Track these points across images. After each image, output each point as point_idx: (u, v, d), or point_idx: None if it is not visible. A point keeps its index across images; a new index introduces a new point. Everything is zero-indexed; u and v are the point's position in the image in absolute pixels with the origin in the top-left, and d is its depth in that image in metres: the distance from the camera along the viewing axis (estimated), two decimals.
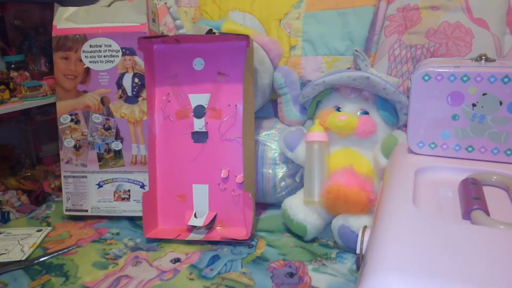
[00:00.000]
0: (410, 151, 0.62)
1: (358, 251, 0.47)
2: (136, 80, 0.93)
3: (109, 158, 0.95)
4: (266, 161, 0.91)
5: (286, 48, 1.00)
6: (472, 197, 0.45)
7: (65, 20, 0.95)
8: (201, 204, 0.87)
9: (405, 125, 0.86)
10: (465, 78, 0.56)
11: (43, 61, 1.65)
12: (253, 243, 0.80)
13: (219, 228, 0.86)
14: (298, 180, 0.90)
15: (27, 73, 1.43)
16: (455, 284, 0.32)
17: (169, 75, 0.90)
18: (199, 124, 0.88)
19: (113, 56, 0.92)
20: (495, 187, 0.51)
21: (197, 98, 0.88)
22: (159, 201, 0.90)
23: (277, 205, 0.93)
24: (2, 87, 1.31)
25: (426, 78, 0.57)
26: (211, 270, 0.71)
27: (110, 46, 0.92)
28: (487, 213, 0.42)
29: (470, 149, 0.58)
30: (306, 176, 0.82)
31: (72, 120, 0.95)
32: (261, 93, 0.93)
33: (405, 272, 0.34)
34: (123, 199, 0.94)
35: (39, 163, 1.67)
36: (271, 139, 0.93)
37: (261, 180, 0.91)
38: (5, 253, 0.80)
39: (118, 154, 0.94)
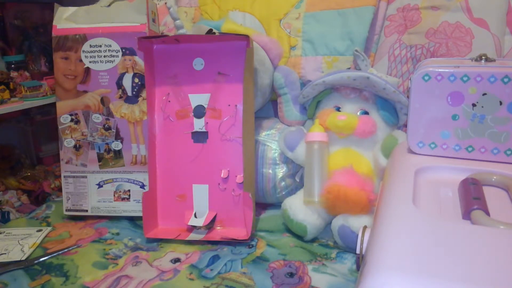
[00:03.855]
0: (410, 151, 0.62)
1: (358, 251, 0.47)
2: (136, 80, 0.93)
3: (109, 158, 0.95)
4: (266, 161, 0.91)
5: (286, 48, 1.00)
6: (472, 197, 0.45)
7: (65, 20, 0.95)
8: (201, 204, 0.87)
9: (405, 125, 0.86)
10: (465, 78, 0.56)
11: (43, 61, 1.65)
12: (253, 243, 0.80)
13: (219, 228, 0.86)
14: (298, 180, 0.90)
15: (27, 73, 1.43)
16: (455, 284, 0.32)
17: (169, 75, 0.90)
18: (199, 124, 0.88)
19: (113, 56, 0.92)
20: (495, 187, 0.51)
21: (197, 98, 0.88)
22: (159, 201, 0.90)
23: (277, 205, 0.93)
24: (2, 87, 1.31)
25: (426, 78, 0.57)
26: (211, 270, 0.71)
27: (110, 46, 0.92)
28: (487, 213, 0.42)
29: (470, 149, 0.58)
30: (306, 176, 0.82)
31: (72, 120, 0.95)
32: (261, 93, 0.93)
33: (405, 272, 0.34)
34: (123, 199, 0.94)
35: (39, 163, 1.67)
36: (271, 139, 0.93)
37: (261, 180, 0.91)
38: (5, 253, 0.80)
39: (118, 154, 0.94)
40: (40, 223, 0.94)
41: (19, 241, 0.84)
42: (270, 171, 0.91)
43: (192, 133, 0.88)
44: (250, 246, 0.79)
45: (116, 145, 0.94)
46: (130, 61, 0.92)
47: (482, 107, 0.56)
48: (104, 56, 0.93)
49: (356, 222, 0.73)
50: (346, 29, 0.95)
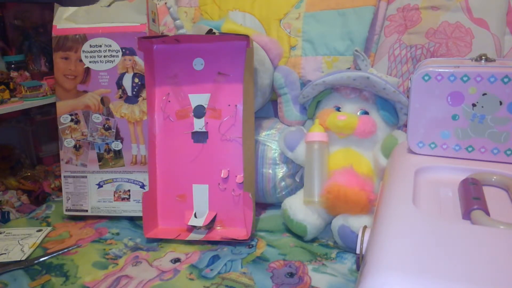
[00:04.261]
0: (410, 151, 0.62)
1: (358, 251, 0.47)
2: (136, 80, 0.93)
3: (109, 158, 0.95)
4: (266, 161, 0.91)
5: (286, 48, 1.00)
6: (472, 197, 0.45)
7: (65, 20, 0.95)
8: (201, 204, 0.87)
9: (405, 125, 0.86)
10: (465, 78, 0.56)
11: (43, 61, 1.65)
12: (253, 243, 0.80)
13: (219, 228, 0.86)
14: (298, 180, 0.90)
15: (27, 73, 1.43)
16: (455, 284, 0.32)
17: (169, 75, 0.90)
18: (199, 124, 0.88)
19: (113, 56, 0.92)
20: (495, 187, 0.51)
21: (197, 98, 0.88)
22: (159, 201, 0.90)
23: (277, 205, 0.93)
24: (2, 87, 1.31)
25: (426, 78, 0.57)
26: (211, 270, 0.71)
27: (110, 46, 0.92)
28: (487, 213, 0.42)
29: (470, 149, 0.58)
30: (306, 176, 0.82)
31: (72, 120, 0.95)
32: (261, 93, 0.93)
33: (405, 272, 0.34)
34: (123, 199, 0.94)
35: (39, 163, 1.67)
36: (271, 139, 0.93)
37: (261, 180, 0.91)
38: (5, 253, 0.80)
39: (118, 154, 0.94)
40: (40, 223, 0.94)
41: (19, 241, 0.84)
42: (270, 171, 0.91)
43: (192, 133, 0.88)
44: (250, 246, 0.79)
45: (116, 145, 0.94)
46: (130, 61, 0.92)
47: (482, 107, 0.56)
48: (104, 56, 0.93)
49: (356, 222, 0.73)
50: (346, 29, 0.95)
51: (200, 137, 0.88)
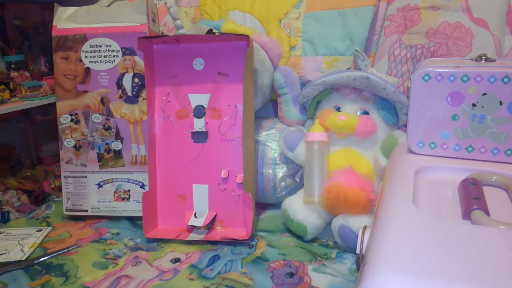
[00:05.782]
0: (410, 151, 0.62)
1: (358, 251, 0.47)
2: (136, 80, 0.93)
3: (109, 158, 0.95)
4: (266, 161, 0.91)
5: (286, 48, 1.00)
6: (472, 197, 0.45)
7: (65, 20, 0.95)
8: (201, 204, 0.87)
9: (405, 125, 0.86)
10: (465, 78, 0.56)
11: (43, 61, 1.65)
12: (253, 243, 0.80)
13: (219, 228, 0.86)
14: (298, 180, 0.90)
15: (27, 73, 1.43)
16: (455, 284, 0.32)
17: (169, 75, 0.90)
18: (199, 124, 0.88)
19: (113, 56, 0.92)
20: (495, 187, 0.51)
21: (197, 98, 0.88)
22: (159, 201, 0.90)
23: (277, 205, 0.93)
24: (2, 87, 1.31)
25: (426, 78, 0.57)
26: (211, 270, 0.71)
27: (110, 46, 0.92)
28: (487, 213, 0.42)
29: (470, 149, 0.58)
30: (306, 176, 0.82)
31: (72, 120, 0.95)
32: (261, 93, 0.93)
33: (405, 272, 0.34)
34: (123, 199, 0.94)
35: (39, 163, 1.67)
36: (271, 139, 0.93)
37: (261, 180, 0.91)
38: (5, 253, 0.80)
39: (118, 154, 0.94)
40: (40, 223, 0.94)
41: (19, 241, 0.84)
42: (270, 171, 0.91)
43: (192, 133, 0.88)
44: (250, 246, 0.79)
45: (116, 145, 0.94)
46: (130, 61, 0.92)
47: (482, 107, 0.56)
48: (104, 56, 0.93)
49: (356, 222, 0.73)
50: (346, 29, 0.95)
51: (200, 137, 0.88)
